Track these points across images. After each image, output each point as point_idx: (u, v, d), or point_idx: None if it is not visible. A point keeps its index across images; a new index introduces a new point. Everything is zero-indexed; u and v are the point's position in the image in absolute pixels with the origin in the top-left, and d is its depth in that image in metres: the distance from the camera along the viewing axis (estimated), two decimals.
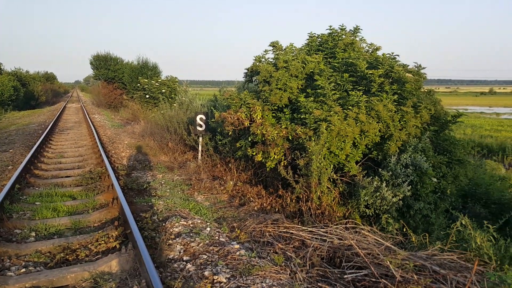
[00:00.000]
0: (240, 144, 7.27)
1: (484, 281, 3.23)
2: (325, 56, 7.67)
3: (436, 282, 3.50)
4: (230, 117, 7.10)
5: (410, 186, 5.86)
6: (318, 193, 5.88)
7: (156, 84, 21.28)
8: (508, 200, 9.00)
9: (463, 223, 4.39)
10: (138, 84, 22.72)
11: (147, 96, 21.19)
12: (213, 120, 8.46)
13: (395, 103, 6.28)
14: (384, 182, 5.85)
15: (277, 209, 6.39)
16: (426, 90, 7.35)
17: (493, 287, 3.01)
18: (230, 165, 8.37)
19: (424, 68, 6.93)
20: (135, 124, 18.57)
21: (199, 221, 5.48)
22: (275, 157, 6.47)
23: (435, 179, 6.10)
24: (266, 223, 5.22)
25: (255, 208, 6.46)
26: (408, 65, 7.08)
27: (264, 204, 6.60)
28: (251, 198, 6.91)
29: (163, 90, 20.51)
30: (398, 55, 7.12)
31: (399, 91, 6.46)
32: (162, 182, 8.18)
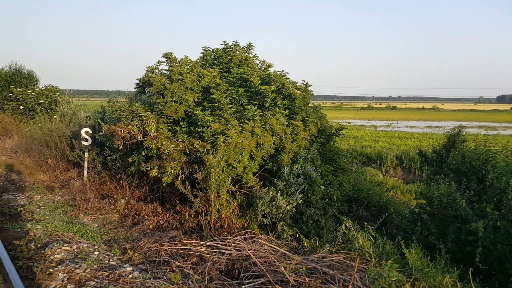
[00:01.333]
0: (132, 159, 6.89)
1: (366, 277, 3.55)
2: (221, 70, 7.79)
3: (326, 282, 3.73)
4: (121, 130, 6.70)
5: (302, 194, 6.24)
6: (217, 206, 5.87)
7: (33, 94, 19.16)
8: (385, 202, 10.20)
9: (347, 225, 4.80)
10: (10, 94, 20.12)
11: (21, 107, 18.94)
12: (101, 133, 7.87)
13: (287, 117, 6.66)
14: (279, 191, 6.12)
15: (174, 226, 6.18)
16: (313, 105, 7.97)
17: (373, 281, 3.32)
18: (121, 182, 7.84)
19: (311, 85, 7.52)
20: (6, 139, 16.37)
21: (86, 245, 4.99)
22: (172, 171, 6.28)
23: (323, 187, 6.60)
24: (162, 242, 5.00)
25: (150, 226, 6.15)
26: (297, 82, 7.62)
27: (161, 221, 6.33)
28: (146, 216, 6.57)
29: (42, 101, 18.54)
30: (288, 73, 7.61)
31: (290, 106, 6.88)
32: (41, 204, 7.28)
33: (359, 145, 27.58)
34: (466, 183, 6.47)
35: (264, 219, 6.04)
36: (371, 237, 4.72)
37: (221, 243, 4.81)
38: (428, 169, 12.28)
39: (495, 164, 6.79)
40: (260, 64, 8.31)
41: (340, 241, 4.72)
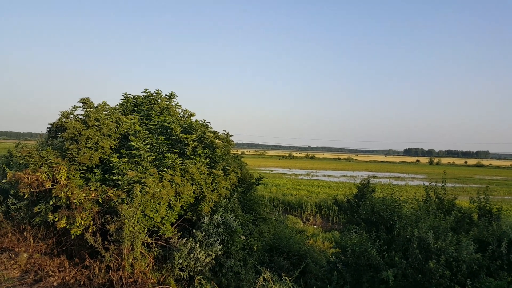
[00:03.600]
0: (39, 209, 6.26)
1: None
2: (141, 117, 7.65)
3: None
4: (27, 177, 6.10)
5: (222, 244, 6.13)
6: (131, 260, 5.50)
7: None
8: (304, 251, 10.39)
9: (265, 277, 4.79)
10: None
11: None
12: (5, 180, 7.09)
13: (208, 166, 6.66)
14: (198, 242, 5.95)
15: (82, 283, 5.63)
16: (234, 155, 8.11)
17: None
18: (25, 233, 7.03)
19: (232, 135, 7.69)
20: None
21: None
22: (82, 222, 5.81)
23: (243, 237, 6.57)
24: None
25: (55, 283, 5.54)
26: (219, 132, 7.75)
27: (67, 277, 5.73)
28: (50, 272, 5.91)
29: None
30: (210, 122, 7.73)
31: (211, 155, 6.92)
32: None
33: (281, 193, 28.25)
34: (376, 233, 6.89)
35: (181, 272, 5.77)
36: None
37: None
38: (343, 217, 12.94)
39: (401, 214, 7.37)
40: (182, 113, 8.34)
41: None
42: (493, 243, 6.43)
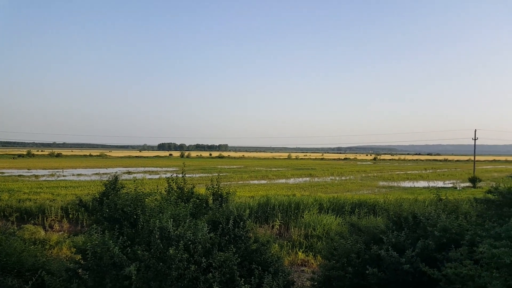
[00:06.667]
0: None
1: None
2: None
3: None
4: None
5: None
6: None
7: None
8: (42, 263, 9.08)
9: None
10: None
11: None
12: None
13: None
14: None
15: None
16: None
17: None
18: None
19: None
20: None
21: None
22: None
23: None
24: None
25: None
26: None
27: None
28: None
29: None
30: None
31: None
32: None
33: (16, 199, 23.93)
34: (119, 230, 6.78)
35: None
36: None
37: None
38: (89, 219, 12.13)
39: (144, 207, 7.53)
40: None
41: None
42: (223, 221, 7.50)
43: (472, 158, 65.65)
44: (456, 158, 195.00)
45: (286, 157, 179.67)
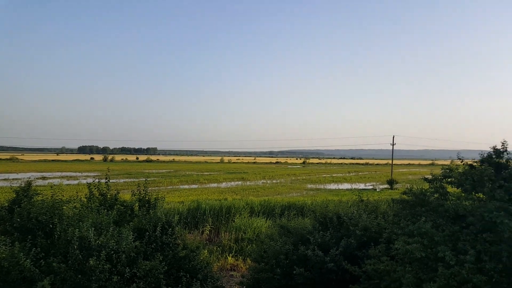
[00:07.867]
0: None
1: None
2: None
3: None
4: None
5: None
6: None
7: None
8: None
9: None
10: None
11: None
12: None
13: None
14: None
15: None
16: None
17: None
18: None
19: None
20: None
21: None
22: None
23: None
24: None
25: None
26: None
27: None
28: None
29: None
30: None
31: None
32: None
33: None
34: (32, 241, 6.14)
35: None
36: None
37: None
38: None
39: (62, 215, 6.90)
40: None
41: None
42: (150, 229, 7.17)
43: (390, 162, 71.04)
44: (376, 161, 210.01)
45: (219, 160, 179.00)
